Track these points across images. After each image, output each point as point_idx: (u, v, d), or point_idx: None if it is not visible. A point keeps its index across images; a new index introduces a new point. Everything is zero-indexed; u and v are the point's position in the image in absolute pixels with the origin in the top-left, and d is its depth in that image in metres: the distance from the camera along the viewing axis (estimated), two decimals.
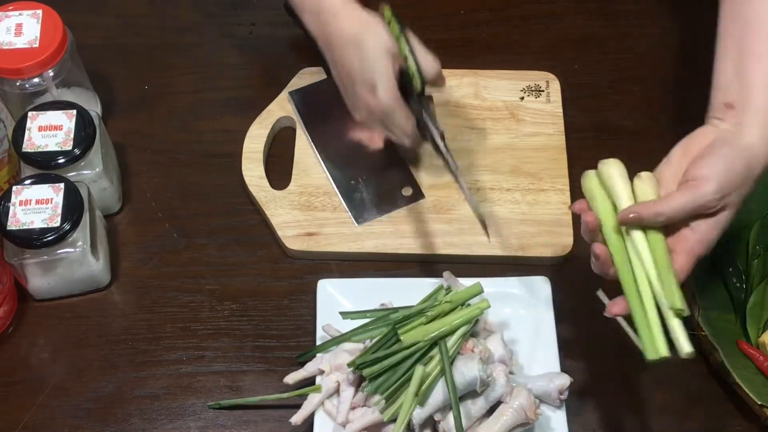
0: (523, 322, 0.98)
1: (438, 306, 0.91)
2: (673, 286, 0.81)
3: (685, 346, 0.80)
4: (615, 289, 1.01)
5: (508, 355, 0.92)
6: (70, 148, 1.00)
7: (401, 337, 0.88)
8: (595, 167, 1.11)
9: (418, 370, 0.87)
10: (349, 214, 1.05)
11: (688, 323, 0.98)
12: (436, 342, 0.89)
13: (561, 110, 1.13)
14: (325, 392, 0.92)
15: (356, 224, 1.05)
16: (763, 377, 0.95)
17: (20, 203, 0.96)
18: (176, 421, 0.96)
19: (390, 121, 0.98)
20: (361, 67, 0.96)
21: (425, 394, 0.88)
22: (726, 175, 0.83)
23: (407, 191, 1.07)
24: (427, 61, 0.99)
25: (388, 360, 0.88)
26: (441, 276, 0.97)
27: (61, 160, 0.99)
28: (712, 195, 0.82)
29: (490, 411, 0.89)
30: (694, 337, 0.97)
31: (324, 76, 1.15)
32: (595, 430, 0.95)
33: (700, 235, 0.84)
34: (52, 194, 0.97)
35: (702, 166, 0.84)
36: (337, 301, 0.98)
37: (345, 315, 0.95)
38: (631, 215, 0.83)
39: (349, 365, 0.89)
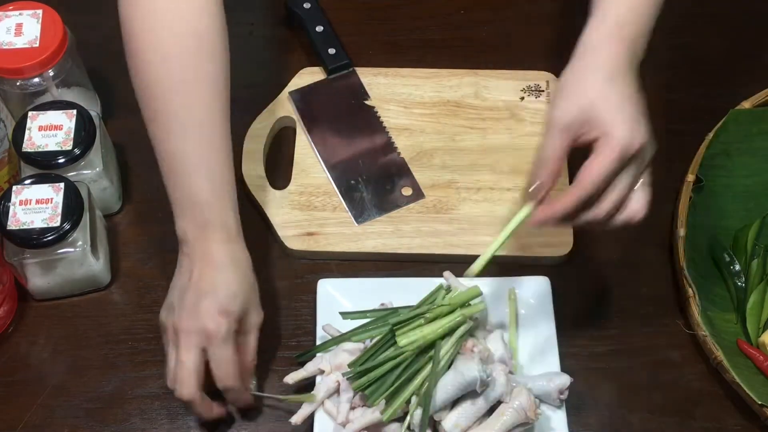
0: (523, 322, 0.98)
1: (436, 309, 0.90)
2: None
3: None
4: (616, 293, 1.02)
5: (508, 355, 0.92)
6: (70, 147, 1.00)
7: (398, 340, 0.88)
8: None
9: (420, 371, 0.87)
10: (349, 214, 1.06)
11: (688, 323, 0.98)
12: (434, 342, 0.89)
13: None
14: (325, 392, 0.92)
15: (356, 224, 1.05)
16: (763, 377, 0.95)
17: (20, 203, 0.96)
18: (176, 421, 0.96)
19: (212, 351, 0.87)
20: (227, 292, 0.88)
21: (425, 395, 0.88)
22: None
23: (407, 191, 1.07)
24: None
25: (375, 371, 0.88)
26: (441, 276, 0.97)
27: (61, 160, 0.99)
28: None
29: (490, 411, 0.89)
30: (693, 337, 0.98)
31: (324, 76, 1.16)
32: (595, 430, 0.95)
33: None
34: (52, 194, 0.97)
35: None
36: (337, 301, 0.98)
37: (345, 315, 0.95)
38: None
39: (349, 365, 0.89)
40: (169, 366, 0.89)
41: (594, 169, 0.81)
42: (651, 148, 0.84)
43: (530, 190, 0.85)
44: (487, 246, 0.90)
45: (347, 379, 0.89)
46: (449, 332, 0.89)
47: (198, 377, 0.88)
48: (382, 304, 0.96)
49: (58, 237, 0.95)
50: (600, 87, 0.83)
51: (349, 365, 0.89)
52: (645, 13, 0.89)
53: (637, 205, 0.85)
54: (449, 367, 0.88)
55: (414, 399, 0.88)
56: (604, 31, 0.87)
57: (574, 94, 0.84)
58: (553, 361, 0.95)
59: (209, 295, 0.88)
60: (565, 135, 0.83)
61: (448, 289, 0.94)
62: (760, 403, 0.91)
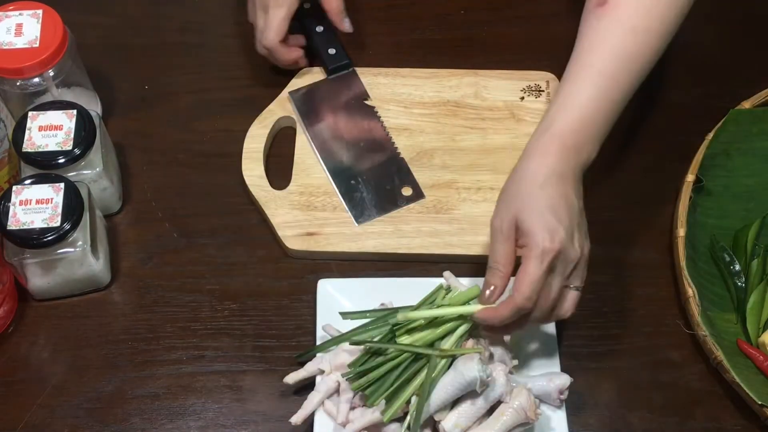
0: None
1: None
2: None
3: None
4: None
5: (508, 355, 0.92)
6: (70, 147, 1.00)
7: (398, 341, 0.89)
8: (593, 167, 1.11)
9: (420, 371, 0.88)
10: (349, 213, 1.06)
11: (688, 323, 0.98)
12: (433, 342, 0.90)
13: None
14: (325, 392, 0.92)
15: (356, 224, 1.05)
16: (763, 377, 0.95)
17: (20, 203, 0.96)
18: (176, 421, 0.96)
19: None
20: None
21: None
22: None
23: (407, 191, 1.07)
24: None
25: (375, 371, 0.88)
26: (441, 276, 0.97)
27: (61, 160, 0.99)
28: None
29: (490, 411, 0.89)
30: (693, 337, 0.98)
31: (324, 76, 1.16)
32: (595, 430, 0.95)
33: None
34: (52, 194, 0.97)
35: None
36: (337, 301, 0.98)
37: (345, 315, 0.95)
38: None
39: (349, 366, 0.89)
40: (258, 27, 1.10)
41: (522, 280, 0.85)
42: (575, 252, 0.87)
43: (486, 294, 0.88)
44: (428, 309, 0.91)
45: (347, 379, 0.89)
46: (449, 332, 0.89)
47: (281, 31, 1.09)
48: (382, 304, 0.96)
49: (58, 237, 0.95)
50: (529, 194, 0.87)
51: (349, 365, 0.89)
52: (594, 120, 0.91)
53: (567, 305, 0.89)
54: (449, 367, 0.88)
55: (414, 399, 0.88)
56: (547, 139, 0.89)
57: (509, 201, 0.89)
58: (553, 361, 0.95)
59: None
60: (506, 242, 0.88)
61: (448, 289, 0.94)
62: (760, 403, 0.91)
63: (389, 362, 0.88)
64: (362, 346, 0.91)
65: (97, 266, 1.00)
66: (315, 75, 1.16)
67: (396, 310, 0.94)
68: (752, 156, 1.07)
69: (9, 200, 0.96)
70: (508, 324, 0.87)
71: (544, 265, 0.85)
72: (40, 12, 1.04)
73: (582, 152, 0.90)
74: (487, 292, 0.88)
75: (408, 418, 0.88)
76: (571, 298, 0.89)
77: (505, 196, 0.89)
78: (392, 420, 0.88)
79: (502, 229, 0.88)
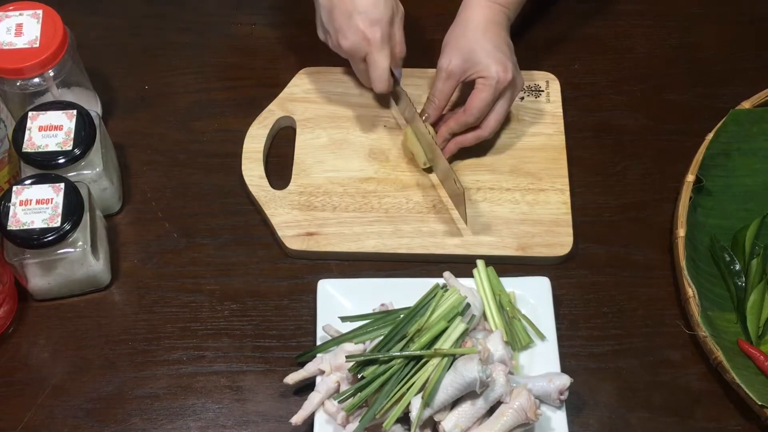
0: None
1: (423, 329, 0.91)
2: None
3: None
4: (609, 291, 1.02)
5: (508, 355, 0.92)
6: (70, 148, 1.00)
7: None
8: (594, 167, 1.12)
9: (422, 374, 0.88)
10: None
11: (688, 323, 0.99)
12: (433, 342, 0.90)
13: (561, 110, 1.13)
14: (325, 392, 0.92)
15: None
16: (763, 377, 0.95)
17: (20, 203, 0.96)
18: (176, 421, 0.96)
19: (373, 58, 1.05)
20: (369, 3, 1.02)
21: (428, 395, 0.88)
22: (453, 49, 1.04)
23: None
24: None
25: (366, 390, 0.88)
26: (441, 276, 0.97)
27: (62, 160, 0.99)
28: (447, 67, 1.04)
29: (490, 411, 0.89)
30: (693, 337, 0.98)
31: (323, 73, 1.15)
32: (595, 430, 0.95)
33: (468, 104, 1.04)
34: (53, 194, 0.97)
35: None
36: (337, 301, 0.98)
37: (344, 319, 0.95)
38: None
39: (350, 370, 0.90)
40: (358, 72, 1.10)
41: (476, 101, 1.03)
42: (521, 81, 1.07)
43: (422, 117, 1.07)
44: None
45: (349, 369, 0.89)
46: (436, 333, 0.90)
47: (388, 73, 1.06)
48: (383, 305, 0.96)
49: (58, 237, 0.95)
50: (477, 38, 1.04)
51: (350, 370, 0.90)
52: None
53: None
54: (449, 367, 0.88)
55: (415, 400, 0.88)
56: None
57: (457, 45, 1.04)
58: (553, 361, 0.95)
59: (355, 13, 1.02)
60: (450, 80, 1.05)
61: (445, 289, 0.94)
62: (760, 403, 0.91)
63: (387, 371, 0.88)
64: (362, 347, 0.92)
65: (97, 266, 1.00)
66: (315, 75, 1.16)
67: (397, 311, 0.94)
68: (752, 156, 1.07)
69: (9, 200, 0.96)
70: (457, 139, 1.06)
71: (494, 91, 1.03)
72: (40, 12, 1.04)
73: (510, 10, 1.07)
74: (423, 117, 1.07)
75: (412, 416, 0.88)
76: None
77: (453, 41, 1.05)
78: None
79: (450, 68, 1.04)
